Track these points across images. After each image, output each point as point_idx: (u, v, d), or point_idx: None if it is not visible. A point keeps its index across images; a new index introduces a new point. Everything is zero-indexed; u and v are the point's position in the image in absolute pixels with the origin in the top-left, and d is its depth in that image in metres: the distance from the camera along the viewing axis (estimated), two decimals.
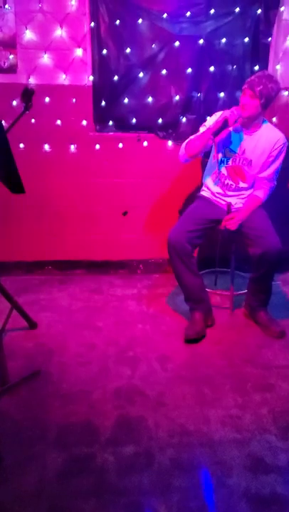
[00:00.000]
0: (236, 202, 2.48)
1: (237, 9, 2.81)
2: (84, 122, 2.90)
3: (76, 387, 1.97)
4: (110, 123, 2.94)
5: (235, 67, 2.91)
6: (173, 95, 2.92)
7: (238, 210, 2.43)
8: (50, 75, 2.80)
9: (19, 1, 2.65)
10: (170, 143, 2.99)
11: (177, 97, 2.92)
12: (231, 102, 2.90)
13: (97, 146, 2.95)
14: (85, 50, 2.78)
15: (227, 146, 2.44)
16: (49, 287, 2.93)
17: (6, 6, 2.66)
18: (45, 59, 2.77)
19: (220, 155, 2.46)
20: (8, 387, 1.91)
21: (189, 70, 2.88)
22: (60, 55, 2.77)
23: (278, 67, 2.93)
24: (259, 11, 2.83)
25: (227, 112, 2.29)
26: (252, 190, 2.48)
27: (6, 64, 2.74)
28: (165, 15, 2.78)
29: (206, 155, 2.61)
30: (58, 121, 2.88)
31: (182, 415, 1.81)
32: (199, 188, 2.68)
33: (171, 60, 2.86)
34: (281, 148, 2.39)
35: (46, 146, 2.91)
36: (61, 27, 2.72)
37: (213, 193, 2.54)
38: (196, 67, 2.88)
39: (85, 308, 2.67)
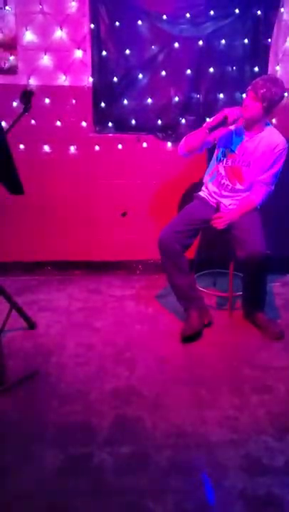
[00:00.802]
0: (230, 203, 2.49)
1: (237, 10, 2.82)
2: (84, 123, 2.91)
3: (74, 387, 1.97)
4: (110, 124, 2.95)
5: (234, 68, 2.91)
6: (172, 96, 2.93)
7: (229, 211, 2.44)
8: (50, 76, 2.81)
9: (20, 2, 2.66)
10: (169, 144, 3.00)
11: (177, 98, 2.93)
12: (231, 103, 2.90)
13: (97, 147, 2.96)
14: (85, 51, 2.79)
15: (228, 146, 2.45)
16: (48, 288, 2.94)
17: (7, 7, 2.66)
18: (46, 60, 2.78)
19: (219, 153, 2.47)
20: (7, 387, 1.92)
21: (189, 71, 2.89)
22: (60, 56, 2.78)
23: (278, 68, 2.94)
24: (259, 12, 2.83)
25: (228, 110, 2.30)
26: (248, 193, 2.48)
27: (7, 65, 2.75)
28: (165, 16, 2.78)
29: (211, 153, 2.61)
30: (58, 122, 2.89)
31: (179, 416, 1.82)
32: (199, 188, 2.68)
33: (170, 61, 2.86)
34: (281, 153, 2.38)
35: (46, 147, 2.92)
36: (61, 28, 2.73)
37: (209, 193, 2.55)
38: (196, 68, 2.88)
39: (84, 309, 2.67)
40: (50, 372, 2.06)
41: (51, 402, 1.88)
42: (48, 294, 2.85)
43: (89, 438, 1.69)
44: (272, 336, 2.40)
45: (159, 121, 2.96)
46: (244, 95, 2.38)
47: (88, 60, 2.82)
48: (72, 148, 2.95)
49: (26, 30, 2.71)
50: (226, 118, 2.28)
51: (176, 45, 2.83)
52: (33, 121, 2.84)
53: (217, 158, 2.50)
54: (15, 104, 2.77)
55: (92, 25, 2.76)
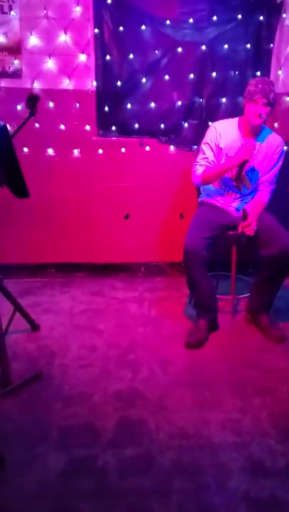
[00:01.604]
0: (240, 207, 2.50)
1: (239, 16, 2.84)
2: (87, 127, 2.93)
3: (77, 389, 1.98)
4: (113, 128, 2.97)
5: (237, 73, 2.94)
6: (175, 100, 2.95)
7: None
8: (55, 79, 2.83)
9: (24, 6, 2.69)
10: (172, 148, 3.02)
11: (179, 103, 2.95)
12: (233, 107, 2.93)
13: (100, 151, 2.98)
14: (88, 55, 2.82)
15: (230, 156, 2.45)
16: (51, 290, 2.95)
17: (12, 12, 2.69)
18: (50, 64, 2.80)
19: (222, 160, 2.47)
20: (11, 388, 1.93)
21: (192, 76, 2.91)
22: (64, 61, 2.80)
23: (280, 72, 2.96)
24: (261, 18, 2.86)
25: (245, 153, 2.25)
26: (254, 193, 2.51)
27: (11, 69, 2.78)
28: (168, 21, 2.81)
29: None
30: (62, 126, 2.91)
31: (182, 418, 1.82)
32: (200, 192, 2.69)
33: (173, 66, 2.89)
34: (281, 153, 2.45)
35: (50, 151, 2.94)
36: (65, 33, 2.75)
37: (217, 199, 2.56)
38: (199, 72, 2.91)
39: (87, 311, 2.69)
40: (53, 374, 2.07)
41: (55, 403, 1.88)
42: (51, 296, 2.86)
43: (92, 440, 1.70)
44: (274, 339, 2.40)
45: (162, 125, 2.98)
46: (245, 101, 2.36)
47: (92, 64, 2.85)
48: (76, 152, 2.97)
49: (31, 34, 2.73)
50: (245, 162, 2.29)
51: (180, 49, 2.85)
52: (37, 125, 2.86)
53: None
54: (19, 107, 2.79)
55: (96, 30, 2.79)
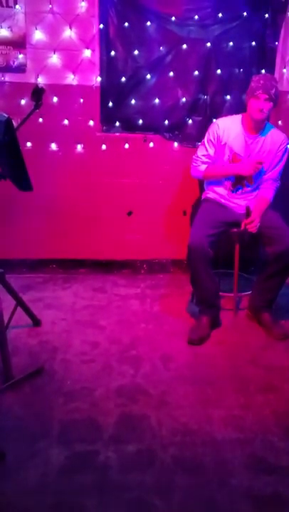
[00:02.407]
0: (244, 203, 2.49)
1: (244, 13, 2.84)
2: (91, 122, 2.92)
3: (79, 384, 1.97)
4: (117, 123, 2.96)
5: (241, 70, 2.93)
6: (180, 97, 2.94)
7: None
8: (59, 74, 2.82)
9: (30, 1, 2.68)
10: (176, 144, 3.01)
11: (184, 99, 2.94)
12: (237, 105, 2.92)
13: (104, 147, 2.97)
14: (93, 51, 2.81)
15: (234, 151, 2.44)
16: (53, 285, 2.95)
17: (17, 6, 2.68)
18: (54, 59, 2.79)
19: (225, 157, 2.47)
20: (12, 383, 1.92)
21: (196, 73, 2.90)
22: (68, 56, 2.79)
23: (285, 70, 2.95)
24: (266, 15, 2.85)
25: (250, 171, 2.36)
26: (257, 190, 2.50)
27: (16, 63, 2.77)
28: (173, 18, 2.80)
29: None
30: (66, 121, 2.90)
31: (185, 414, 1.82)
32: (203, 189, 2.68)
33: (178, 63, 2.88)
34: (285, 149, 2.44)
35: (53, 146, 2.93)
36: (70, 28, 2.75)
37: (221, 196, 2.55)
38: (203, 69, 2.90)
39: (89, 307, 2.68)
40: (55, 370, 2.06)
41: (57, 399, 1.88)
42: (53, 292, 2.85)
43: (94, 435, 1.69)
44: (276, 337, 2.40)
45: (166, 122, 2.97)
46: (247, 97, 2.36)
47: (96, 59, 2.84)
48: (79, 147, 2.96)
49: (36, 29, 2.72)
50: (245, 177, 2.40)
51: (184, 46, 2.84)
52: (40, 120, 2.85)
53: None
54: (23, 102, 2.78)
55: (101, 26, 2.78)
